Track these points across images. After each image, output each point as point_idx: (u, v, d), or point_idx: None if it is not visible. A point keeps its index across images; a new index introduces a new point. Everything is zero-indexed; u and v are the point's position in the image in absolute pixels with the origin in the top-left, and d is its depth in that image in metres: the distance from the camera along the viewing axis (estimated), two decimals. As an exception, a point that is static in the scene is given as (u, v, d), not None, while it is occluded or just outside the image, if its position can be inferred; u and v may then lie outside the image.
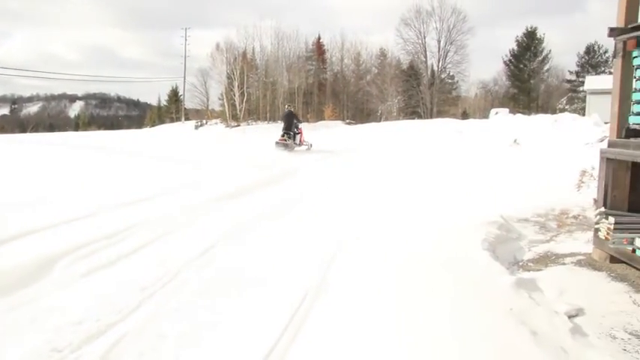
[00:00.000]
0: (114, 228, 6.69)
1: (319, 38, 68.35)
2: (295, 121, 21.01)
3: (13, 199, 8.37)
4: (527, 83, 59.16)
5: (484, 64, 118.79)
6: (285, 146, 19.91)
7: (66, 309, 4.12)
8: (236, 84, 59.60)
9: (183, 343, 3.54)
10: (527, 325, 3.68)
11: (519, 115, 33.45)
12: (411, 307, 4.12)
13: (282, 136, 20.32)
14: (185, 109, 70.25)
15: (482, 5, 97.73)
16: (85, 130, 64.98)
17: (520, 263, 5.76)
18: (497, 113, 37.47)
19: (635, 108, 5.19)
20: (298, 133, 20.98)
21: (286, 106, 26.70)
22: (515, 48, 60.01)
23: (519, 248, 6.33)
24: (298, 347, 3.50)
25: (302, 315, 4.01)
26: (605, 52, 53.58)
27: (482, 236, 6.26)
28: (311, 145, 21.38)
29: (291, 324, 3.83)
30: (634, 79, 5.25)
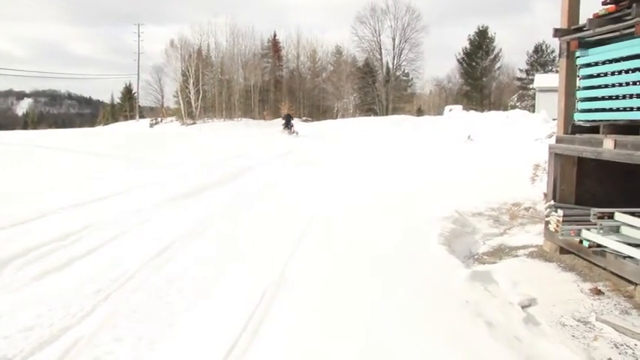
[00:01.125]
0: (71, 228, 6.57)
1: (275, 35, 68.17)
2: (291, 120, 35.87)
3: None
4: (480, 81, 60.51)
5: (438, 61, 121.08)
6: (288, 133, 33.29)
7: (16, 314, 3.98)
8: (191, 81, 58.90)
9: (140, 346, 3.48)
10: (482, 316, 3.78)
11: (472, 112, 34.22)
12: (365, 300, 4.17)
13: (284, 128, 34.43)
14: (139, 106, 68.89)
15: (436, 4, 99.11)
16: (35, 128, 63.01)
17: (475, 256, 5.91)
18: (451, 110, 38.16)
19: (580, 105, 5.39)
20: (292, 126, 34.50)
21: (286, 112, 42.54)
22: (468, 46, 61.34)
23: (474, 242, 6.49)
24: None
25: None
26: (552, 51, 55.42)
27: (438, 231, 6.38)
28: (297, 133, 33.12)
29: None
30: (578, 78, 5.45)
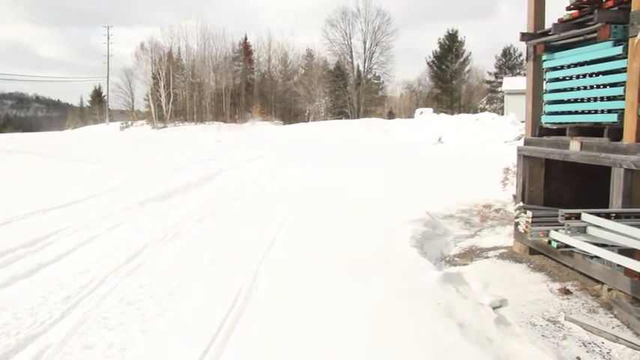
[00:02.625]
0: (40, 233, 6.44)
1: (246, 39, 67.95)
2: None
3: None
4: (450, 84, 61.19)
5: (408, 65, 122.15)
6: None
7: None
8: (162, 84, 58.35)
9: (111, 354, 3.42)
10: (454, 317, 3.81)
11: (443, 115, 34.57)
12: (339, 301, 4.17)
13: None
14: (109, 110, 67.96)
15: (405, 7, 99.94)
16: (1, 132, 61.70)
17: (447, 258, 5.95)
18: (422, 113, 38.52)
19: (547, 108, 5.49)
20: None
21: None
22: (438, 49, 61.97)
23: (446, 244, 6.55)
24: None
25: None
26: (520, 55, 56.36)
27: (409, 233, 6.43)
28: None
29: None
30: (544, 81, 5.56)
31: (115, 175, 13.09)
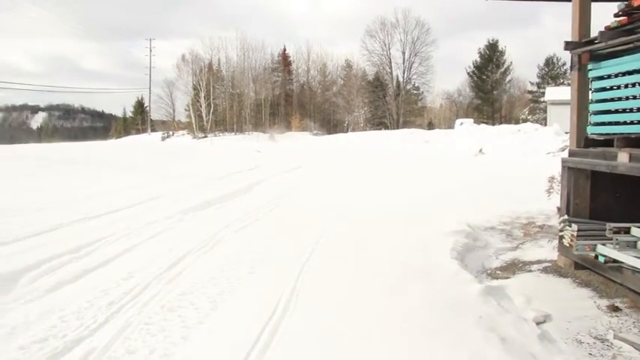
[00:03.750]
0: (85, 240, 6.60)
1: (285, 50, 68.68)
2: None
3: None
4: (491, 94, 60.36)
5: (448, 75, 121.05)
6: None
7: (30, 325, 4.01)
8: (202, 95, 59.37)
9: (153, 359, 3.47)
10: (496, 332, 3.73)
11: (483, 125, 34.14)
12: (378, 314, 4.13)
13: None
14: (151, 120, 69.47)
15: (444, 18, 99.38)
16: (49, 141, 63.62)
17: (488, 271, 5.84)
18: (462, 123, 38.11)
19: (593, 119, 5.33)
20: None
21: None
22: (478, 60, 61.29)
23: (487, 256, 6.42)
24: None
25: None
26: (564, 64, 55.12)
27: (450, 245, 6.34)
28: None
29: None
30: (590, 91, 5.41)
31: (157, 184, 13.34)
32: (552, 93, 39.27)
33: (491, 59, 60.42)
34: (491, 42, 60.68)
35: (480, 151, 23.34)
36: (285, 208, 9.68)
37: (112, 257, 6.03)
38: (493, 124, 40.11)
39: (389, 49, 61.36)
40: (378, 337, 3.74)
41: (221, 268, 5.59)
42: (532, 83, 59.84)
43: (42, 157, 20.21)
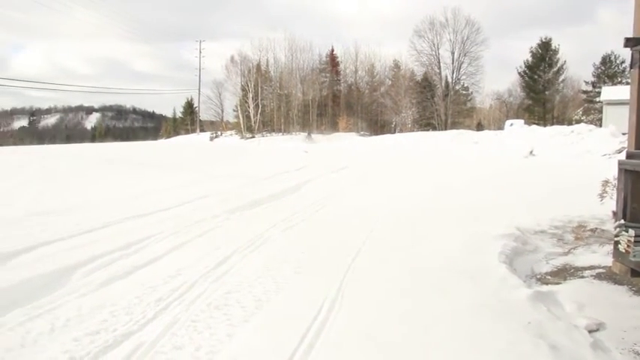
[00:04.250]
0: (134, 237, 6.78)
1: (332, 50, 68.78)
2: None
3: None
4: (542, 94, 58.72)
5: (498, 75, 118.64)
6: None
7: (83, 318, 4.16)
8: (250, 96, 60.03)
9: (199, 356, 3.52)
10: (545, 339, 3.63)
11: (535, 127, 33.32)
12: (424, 316, 4.08)
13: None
14: (200, 120, 70.70)
15: (495, 17, 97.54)
16: (102, 141, 65.63)
17: (538, 276, 5.69)
18: (512, 124, 37.33)
19: (654, 119, 5.13)
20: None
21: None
22: (530, 59, 59.67)
23: (537, 261, 6.25)
24: None
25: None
26: (622, 62, 52.98)
27: (498, 248, 6.21)
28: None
29: None
30: (651, 90, 5.19)
31: (205, 183, 13.56)
32: (609, 92, 37.87)
33: (543, 58, 58.74)
34: (544, 40, 58.97)
35: (531, 152, 22.80)
36: (332, 208, 9.68)
37: (160, 255, 6.18)
38: (544, 125, 39.05)
39: (438, 49, 60.53)
40: (424, 340, 3.69)
41: (267, 267, 5.63)
42: (587, 82, 57.84)
43: (94, 156, 20.87)
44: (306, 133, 51.59)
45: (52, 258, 5.80)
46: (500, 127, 45.13)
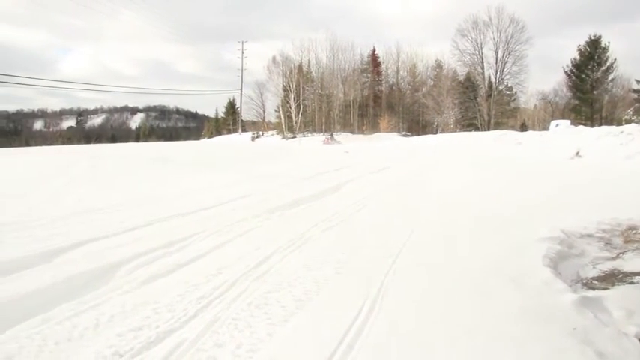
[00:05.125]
0: (177, 235, 6.91)
1: (374, 50, 68.66)
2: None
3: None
4: (590, 94, 57.00)
5: (543, 74, 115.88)
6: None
7: (127, 314, 4.26)
8: (292, 96, 60.38)
9: (239, 354, 3.56)
10: (592, 346, 3.52)
11: (581, 127, 32.40)
12: (464, 319, 4.02)
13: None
14: (242, 120, 71.45)
15: (541, 14, 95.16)
16: (146, 141, 67.06)
17: (584, 281, 5.53)
18: (557, 125, 36.45)
19: None
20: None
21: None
22: (578, 57, 58.04)
23: (583, 265, 6.08)
24: None
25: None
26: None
27: (542, 251, 6.07)
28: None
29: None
30: None
31: (246, 183, 13.70)
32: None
33: (592, 56, 56.97)
34: (592, 38, 57.23)
35: (577, 154, 22.19)
36: (373, 209, 9.64)
37: (202, 253, 6.26)
38: (592, 126, 37.97)
39: (481, 48, 59.64)
40: (465, 344, 3.64)
41: (307, 267, 5.65)
42: (638, 81, 55.92)
43: (138, 155, 21.28)
44: (329, 135, 51.01)
45: (96, 255, 5.95)
46: (545, 128, 44.12)
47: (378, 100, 66.61)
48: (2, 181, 12.30)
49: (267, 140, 55.97)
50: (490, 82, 60.02)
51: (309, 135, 58.41)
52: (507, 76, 59.98)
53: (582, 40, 59.19)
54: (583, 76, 57.56)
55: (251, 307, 4.41)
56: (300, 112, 61.12)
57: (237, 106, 74.13)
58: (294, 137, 55.52)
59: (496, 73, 59.66)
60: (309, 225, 7.93)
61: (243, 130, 67.91)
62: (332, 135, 49.38)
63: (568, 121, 40.40)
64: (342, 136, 54.11)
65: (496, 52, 58.84)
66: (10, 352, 3.57)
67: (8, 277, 5.13)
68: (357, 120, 63.90)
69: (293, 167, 19.43)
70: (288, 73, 62.67)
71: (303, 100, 61.70)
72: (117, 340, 3.75)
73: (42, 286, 4.86)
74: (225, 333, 3.89)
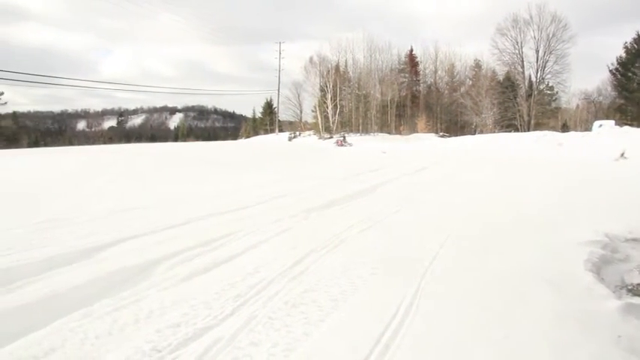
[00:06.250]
0: (214, 234, 6.99)
1: (412, 50, 68.18)
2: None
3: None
4: (637, 93, 55.09)
5: (586, 73, 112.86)
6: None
7: (165, 311, 4.33)
8: (329, 96, 60.42)
9: (275, 352, 3.57)
10: (638, 355, 3.42)
11: (627, 128, 31.50)
12: (503, 324, 3.94)
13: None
14: (279, 120, 71.84)
15: (584, 11, 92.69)
16: (185, 141, 68.12)
17: (629, 287, 5.36)
18: (601, 125, 35.46)
19: None
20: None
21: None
22: (624, 55, 56.19)
23: (628, 271, 5.90)
24: None
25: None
26: None
27: (584, 256, 5.92)
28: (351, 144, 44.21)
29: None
30: None
31: (282, 183, 13.76)
32: None
33: (639, 54, 55.15)
34: (640, 34, 55.41)
35: (622, 155, 21.59)
36: (410, 210, 9.55)
37: (239, 252, 6.30)
38: (638, 127, 36.84)
39: (521, 47, 58.30)
40: (504, 349, 3.57)
41: (344, 267, 5.63)
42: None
43: (177, 155, 21.67)
44: (341, 136, 50.25)
45: (136, 252, 6.07)
46: (588, 129, 43.04)
47: (416, 101, 66.10)
48: (50, 180, 12.66)
49: (304, 140, 56.11)
50: (530, 81, 58.67)
51: (347, 135, 58.37)
52: (548, 76, 58.49)
53: (629, 37, 57.28)
54: (629, 74, 55.59)
55: (287, 307, 4.43)
56: (337, 112, 61.08)
57: (274, 107, 74.62)
58: (331, 137, 55.48)
59: (537, 73, 58.26)
60: (346, 225, 7.91)
61: (280, 130, 68.28)
62: (344, 137, 49.19)
63: (612, 122, 39.24)
64: (379, 136, 53.93)
65: (537, 51, 57.45)
66: (55, 344, 3.68)
67: (52, 272, 5.29)
68: (394, 120, 63.54)
69: (329, 167, 19.43)
70: (325, 73, 62.71)
71: (340, 100, 61.64)
72: (155, 335, 3.82)
73: (83, 282, 4.99)
74: (261, 332, 3.91)
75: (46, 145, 68.57)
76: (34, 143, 72.12)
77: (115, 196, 10.63)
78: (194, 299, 4.60)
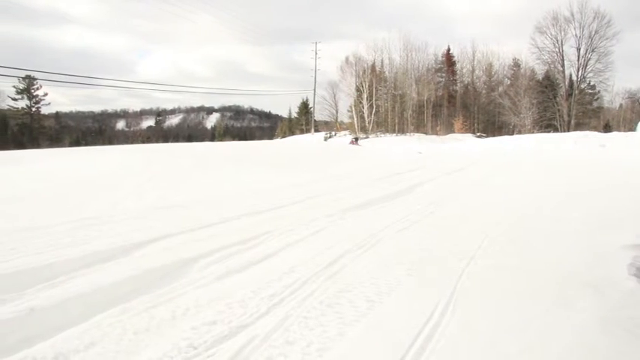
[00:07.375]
0: (251, 233, 7.02)
1: (448, 49, 67.56)
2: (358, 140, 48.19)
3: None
4: (683, 92, 53.50)
5: (631, 71, 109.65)
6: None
7: (201, 308, 4.35)
8: (365, 96, 60.28)
9: (310, 352, 3.55)
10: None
11: (673, 128, 30.48)
12: (542, 327, 3.84)
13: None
14: (315, 120, 71.99)
15: (631, 6, 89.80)
16: (221, 140, 68.85)
17: (676, 292, 5.18)
18: (645, 125, 34.42)
19: None
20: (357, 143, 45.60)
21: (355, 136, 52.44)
22: (670, 53, 54.53)
23: (675, 275, 5.70)
24: None
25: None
26: None
27: (628, 260, 5.75)
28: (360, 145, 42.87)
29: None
30: None
31: (318, 182, 13.75)
32: None
33: (686, 52, 53.44)
34: (687, 33, 53.69)
35: (668, 156, 20.94)
36: (447, 211, 9.43)
37: (275, 251, 6.32)
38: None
39: (561, 45, 57.06)
40: (541, 353, 3.48)
41: (379, 268, 5.59)
42: None
43: (215, 154, 21.87)
44: (354, 137, 49.71)
45: (173, 250, 6.13)
46: (632, 129, 41.88)
47: (452, 100, 65.40)
48: (92, 178, 12.92)
49: (340, 140, 56.10)
50: (571, 80, 57.34)
51: (382, 135, 58.08)
52: (590, 74, 57.00)
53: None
54: (675, 73, 53.97)
55: (322, 306, 4.41)
56: (373, 112, 60.88)
57: (310, 106, 74.84)
58: (367, 137, 55.31)
59: (578, 72, 56.87)
60: (382, 226, 7.85)
61: (316, 130, 68.39)
62: (357, 138, 49.53)
63: (657, 122, 38.13)
64: (415, 137, 53.48)
65: (578, 49, 56.07)
66: (94, 339, 3.74)
67: (92, 268, 5.38)
68: (430, 120, 62.98)
69: (365, 167, 19.35)
70: (361, 73, 62.62)
71: (376, 100, 61.43)
72: (191, 332, 3.85)
73: (122, 279, 5.06)
74: (296, 331, 3.90)
75: (87, 144, 70.37)
76: (76, 142, 74.11)
77: (155, 194, 10.79)
78: (230, 297, 4.62)
